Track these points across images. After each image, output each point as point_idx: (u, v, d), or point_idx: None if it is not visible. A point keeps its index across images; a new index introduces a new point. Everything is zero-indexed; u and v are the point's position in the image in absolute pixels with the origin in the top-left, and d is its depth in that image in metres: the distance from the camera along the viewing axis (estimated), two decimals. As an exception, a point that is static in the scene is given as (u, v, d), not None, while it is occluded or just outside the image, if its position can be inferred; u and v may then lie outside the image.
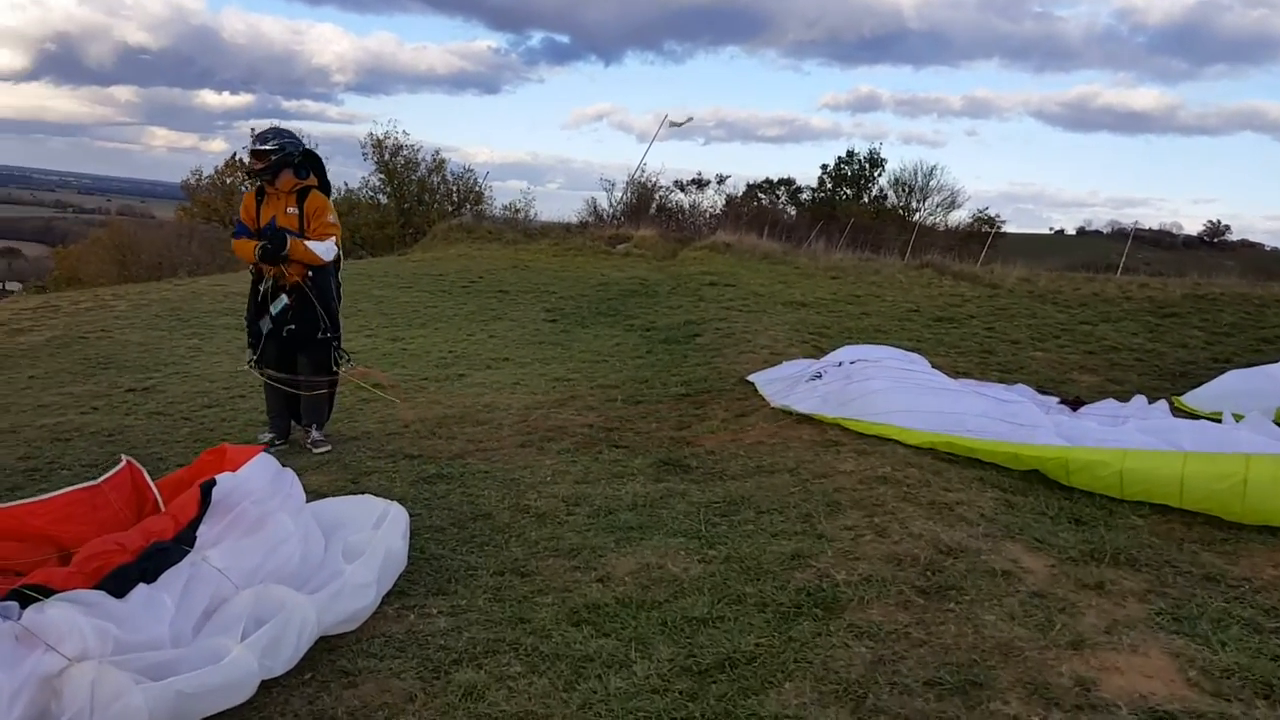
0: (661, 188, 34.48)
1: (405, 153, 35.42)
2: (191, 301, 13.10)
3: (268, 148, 6.02)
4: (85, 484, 3.80)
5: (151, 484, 4.03)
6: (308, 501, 4.41)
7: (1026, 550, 4.08)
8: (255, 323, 6.29)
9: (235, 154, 40.15)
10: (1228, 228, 65.46)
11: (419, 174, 35.81)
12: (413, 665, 3.30)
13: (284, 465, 4.55)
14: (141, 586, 3.27)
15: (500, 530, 4.65)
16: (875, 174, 46.27)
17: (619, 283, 16.06)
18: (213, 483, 3.89)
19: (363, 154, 35.19)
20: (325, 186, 6.40)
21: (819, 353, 8.93)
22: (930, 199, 45.15)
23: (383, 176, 35.42)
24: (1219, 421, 6.66)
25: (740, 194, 42.22)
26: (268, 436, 6.38)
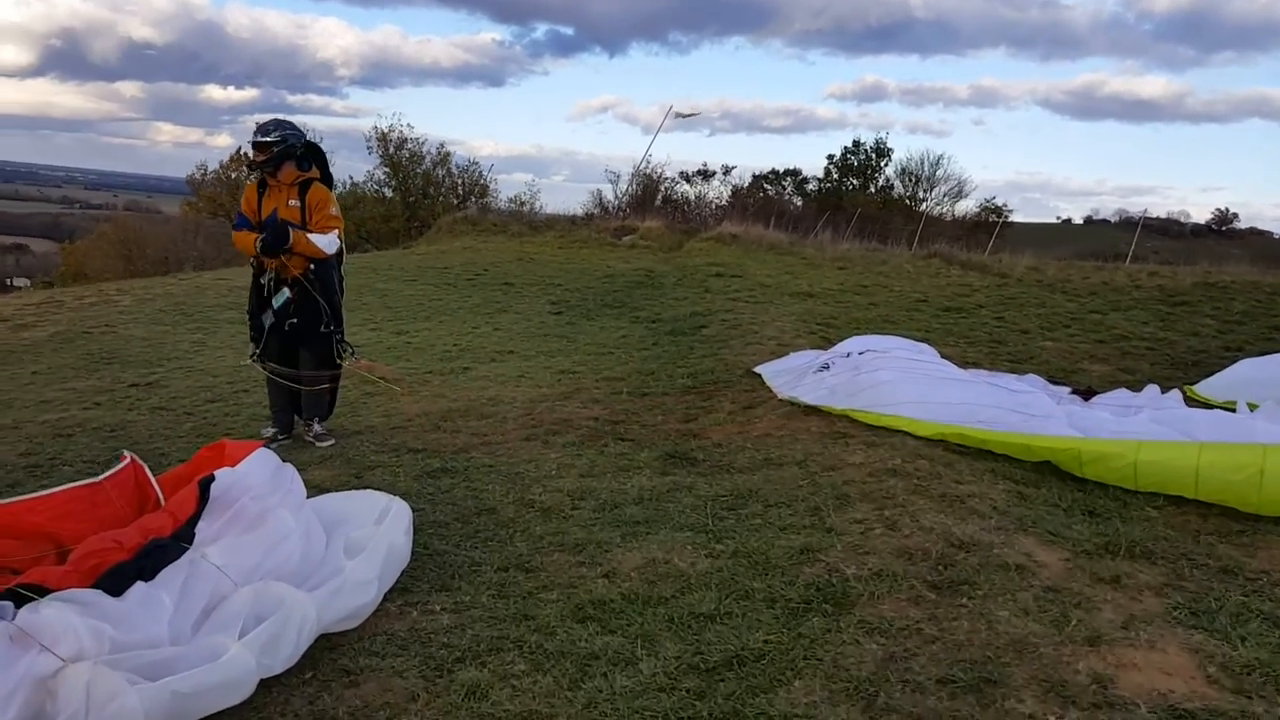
0: (667, 179, 34.35)
1: (410, 146, 35.39)
2: (195, 296, 13.06)
3: (269, 139, 5.95)
4: (86, 481, 3.75)
5: (153, 481, 3.98)
6: (309, 497, 4.36)
7: (1040, 544, 4.01)
8: (257, 316, 6.23)
9: (240, 148, 40.14)
10: (1236, 216, 65.09)
11: (424, 167, 35.76)
12: (415, 663, 3.24)
13: (287, 460, 4.50)
14: (139, 585, 3.22)
15: (504, 525, 4.60)
16: (882, 164, 46.09)
17: (624, 274, 15.98)
18: (211, 479, 3.83)
19: (367, 147, 35.17)
20: (327, 179, 6.33)
21: (826, 344, 8.85)
22: (937, 189, 44.95)
23: (388, 170, 35.39)
24: (1233, 411, 6.57)
25: (746, 185, 42.06)
26: (271, 431, 6.34)
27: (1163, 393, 7.06)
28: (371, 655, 3.30)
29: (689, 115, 30.45)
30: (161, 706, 2.72)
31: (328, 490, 4.98)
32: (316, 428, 6.30)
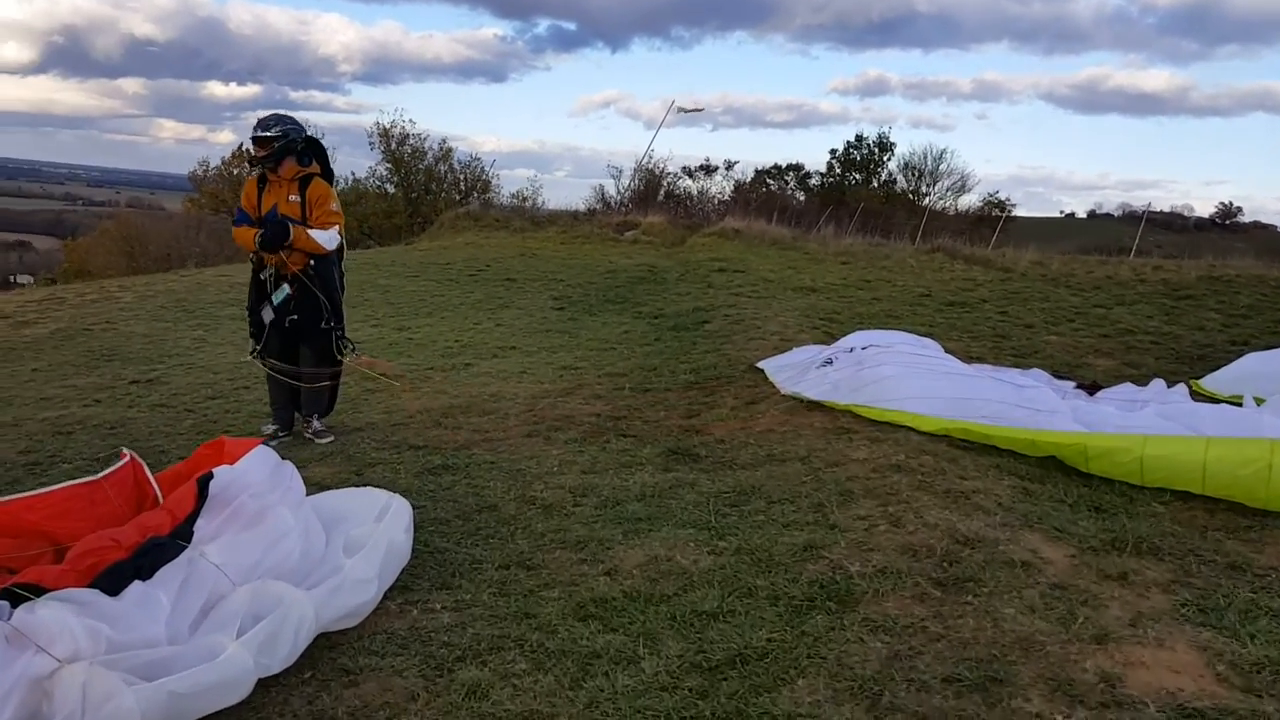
0: (670, 174, 34.32)
1: (412, 142, 35.37)
2: (197, 293, 13.04)
3: (271, 134, 5.91)
4: (84, 479, 3.72)
5: (152, 479, 3.95)
6: (309, 494, 4.33)
7: (1046, 540, 3.97)
8: (256, 311, 6.20)
9: (242, 144, 40.11)
10: (1240, 209, 64.77)
11: (426, 163, 35.74)
12: (415, 663, 3.21)
13: (287, 457, 4.47)
14: (136, 584, 3.19)
15: (506, 522, 4.56)
16: (884, 158, 46.03)
17: (627, 270, 15.94)
18: (210, 476, 3.81)
19: (369, 144, 35.16)
20: (328, 174, 6.30)
21: (830, 339, 8.81)
22: (940, 183, 44.87)
23: (390, 166, 35.36)
24: (1240, 405, 6.53)
25: (749, 180, 42.01)
26: (271, 428, 6.31)
27: (1169, 387, 7.01)
28: (371, 654, 3.27)
29: (692, 110, 30.42)
30: (158, 707, 2.69)
31: (328, 487, 4.95)
32: (316, 424, 6.27)
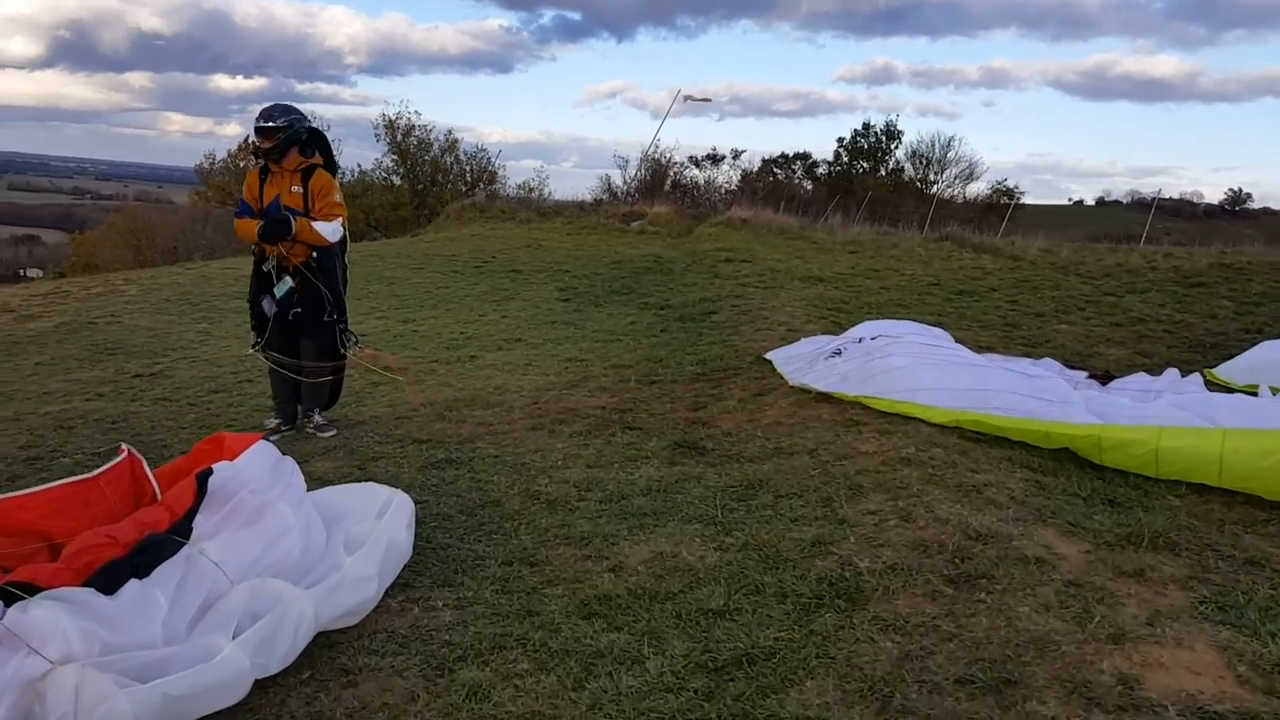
0: (676, 164, 34.15)
1: (418, 133, 35.31)
2: (202, 285, 13.00)
3: (276, 124, 5.83)
4: (78, 477, 3.66)
5: (151, 475, 3.90)
6: (311, 489, 4.28)
7: (1060, 535, 3.88)
8: (257, 304, 6.14)
9: (248, 137, 40.08)
10: (1249, 196, 64.32)
11: (432, 155, 35.69)
12: (416, 662, 3.15)
13: (290, 451, 4.41)
14: (133, 582, 3.14)
15: (509, 517, 4.50)
16: (892, 147, 45.81)
17: (633, 260, 15.85)
18: (209, 472, 3.75)
19: (375, 135, 35.11)
20: (330, 165, 6.22)
21: (838, 329, 8.71)
22: (948, 171, 44.67)
23: (395, 158, 35.31)
24: (1255, 395, 6.43)
25: (756, 169, 41.81)
26: (274, 422, 6.26)
27: (1182, 376, 6.92)
28: (371, 654, 3.21)
29: (701, 100, 30.26)
30: (152, 709, 2.64)
31: (330, 482, 4.90)
32: (317, 419, 6.21)
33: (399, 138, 35.05)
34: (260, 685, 2.93)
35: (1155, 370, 7.37)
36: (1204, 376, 7.26)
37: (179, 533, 3.47)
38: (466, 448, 5.66)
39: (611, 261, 15.70)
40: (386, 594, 3.62)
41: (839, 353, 6.84)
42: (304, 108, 6.21)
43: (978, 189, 43.81)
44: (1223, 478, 4.45)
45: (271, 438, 5.47)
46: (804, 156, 46.83)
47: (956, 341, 7.37)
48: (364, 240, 24.05)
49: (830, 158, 46.63)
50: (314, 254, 6.01)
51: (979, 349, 7.82)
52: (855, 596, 3.42)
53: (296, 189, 5.97)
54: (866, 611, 3.30)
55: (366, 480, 4.85)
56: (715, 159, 39.02)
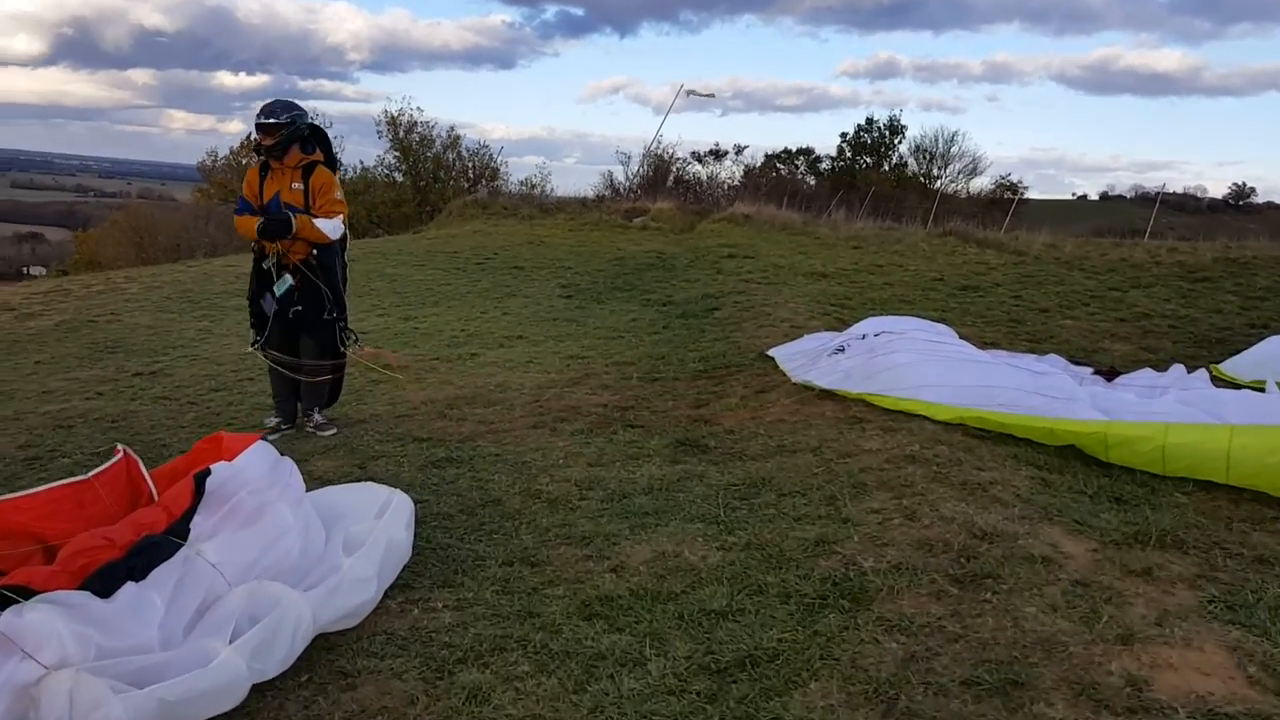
0: (679, 159, 34.11)
1: (420, 130, 35.27)
2: (203, 283, 12.97)
3: (279, 121, 5.79)
4: (73, 479, 3.63)
5: (147, 476, 3.86)
6: (311, 488, 4.24)
7: (1066, 533, 3.84)
8: (257, 301, 6.11)
9: (250, 134, 40.06)
10: (1254, 190, 64.10)
11: (434, 151, 35.64)
12: (415, 665, 3.12)
13: (289, 450, 4.38)
14: (129, 585, 3.10)
15: (510, 517, 4.46)
16: (895, 142, 45.77)
17: (635, 256, 15.81)
18: (207, 472, 3.71)
19: (377, 132, 35.06)
20: (331, 161, 6.19)
21: (841, 325, 8.67)
22: (952, 166, 44.63)
23: (398, 154, 35.27)
24: (1262, 390, 6.38)
25: (759, 164, 41.82)
26: (274, 421, 6.22)
27: (1189, 372, 6.86)
28: (370, 656, 3.18)
29: (704, 95, 30.21)
30: (148, 715, 2.60)
31: (330, 481, 4.87)
32: (317, 417, 6.18)
33: (401, 134, 35.03)
34: (258, 689, 2.90)
35: (1160, 366, 7.32)
36: (1210, 372, 7.20)
37: (176, 534, 3.43)
38: (467, 446, 5.62)
39: (614, 258, 15.66)
40: (386, 595, 3.58)
41: (842, 349, 6.80)
42: (307, 105, 6.18)
43: (981, 184, 43.81)
44: (1230, 474, 4.41)
45: (271, 436, 5.45)
46: (807, 152, 46.83)
47: (960, 338, 7.32)
48: (366, 237, 24.02)
49: (833, 153, 46.64)
50: (314, 251, 5.97)
51: (983, 345, 7.76)
52: (859, 597, 3.38)
53: (297, 186, 5.94)
54: (871, 612, 3.26)
55: (366, 479, 4.82)
56: (718, 154, 39.03)
